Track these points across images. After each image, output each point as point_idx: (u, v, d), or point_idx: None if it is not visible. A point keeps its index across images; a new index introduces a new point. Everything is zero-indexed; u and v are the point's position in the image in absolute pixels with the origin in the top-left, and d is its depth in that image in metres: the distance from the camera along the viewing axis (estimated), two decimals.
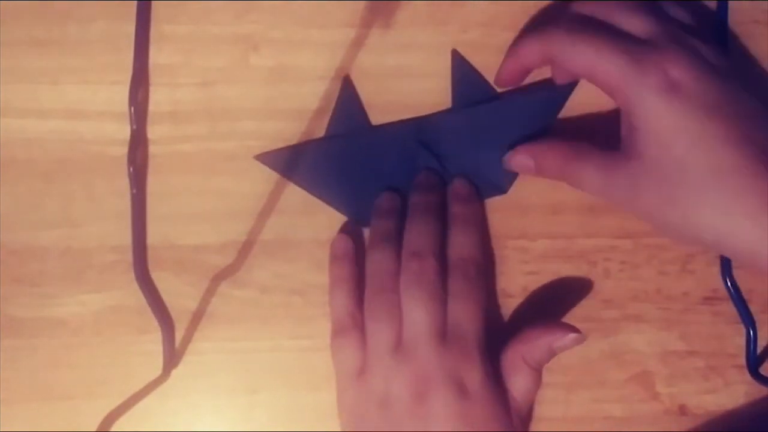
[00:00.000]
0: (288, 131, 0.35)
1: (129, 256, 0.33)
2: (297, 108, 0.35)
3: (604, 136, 0.33)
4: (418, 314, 0.31)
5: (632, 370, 0.35)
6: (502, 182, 0.35)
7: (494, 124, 0.34)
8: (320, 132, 0.35)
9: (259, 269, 0.34)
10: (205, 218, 0.34)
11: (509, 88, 0.35)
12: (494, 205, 0.35)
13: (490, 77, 0.35)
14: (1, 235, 0.34)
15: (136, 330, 0.34)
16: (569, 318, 0.35)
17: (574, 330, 0.31)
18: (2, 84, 0.34)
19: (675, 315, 0.35)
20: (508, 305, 0.35)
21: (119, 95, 0.34)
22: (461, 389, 0.30)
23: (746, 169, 0.28)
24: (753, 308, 0.35)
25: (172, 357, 0.34)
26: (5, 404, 0.34)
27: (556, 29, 0.31)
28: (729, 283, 0.35)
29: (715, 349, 0.35)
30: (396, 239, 0.33)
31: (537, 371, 0.32)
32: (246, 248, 0.34)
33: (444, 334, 0.31)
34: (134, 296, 0.33)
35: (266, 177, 0.35)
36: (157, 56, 0.34)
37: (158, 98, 0.34)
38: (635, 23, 0.31)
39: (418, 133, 0.35)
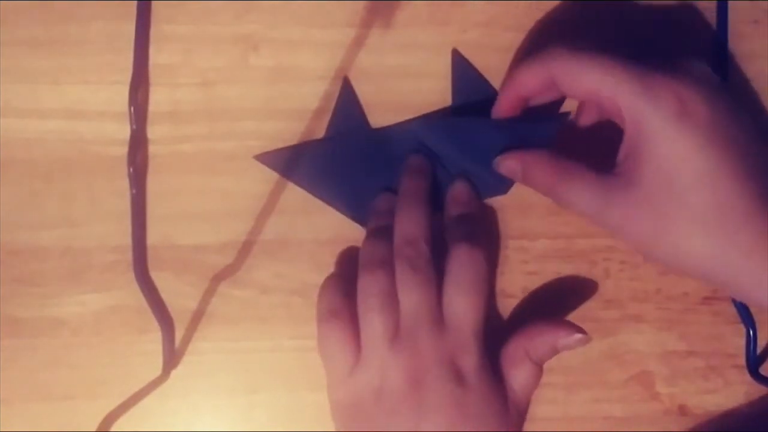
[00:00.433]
0: (288, 131, 0.35)
1: (129, 256, 0.33)
2: (297, 108, 0.35)
3: (596, 150, 0.31)
4: (415, 300, 0.30)
5: (632, 370, 0.35)
6: (501, 183, 0.35)
7: (490, 137, 0.34)
8: (320, 132, 0.35)
9: (259, 269, 0.34)
10: (205, 218, 0.34)
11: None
12: (494, 205, 0.35)
13: (490, 77, 0.35)
14: (1, 235, 0.34)
15: (136, 330, 0.34)
16: (569, 318, 0.35)
17: (580, 330, 0.31)
18: (2, 84, 0.34)
19: (675, 315, 0.35)
20: (508, 305, 0.35)
21: (119, 95, 0.34)
22: (458, 376, 0.30)
23: (745, 206, 0.28)
24: (753, 308, 0.35)
25: (172, 357, 0.34)
26: (5, 404, 0.34)
27: (558, 50, 0.30)
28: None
29: (715, 349, 0.35)
30: (390, 234, 0.32)
31: (538, 366, 0.31)
32: (246, 248, 0.34)
33: (441, 320, 0.30)
34: (134, 296, 0.33)
35: (266, 177, 0.35)
36: (157, 56, 0.35)
37: (158, 98, 0.35)
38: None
39: (418, 133, 0.35)
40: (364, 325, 0.31)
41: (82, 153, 0.34)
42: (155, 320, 0.33)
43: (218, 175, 0.34)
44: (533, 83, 0.31)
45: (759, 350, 0.35)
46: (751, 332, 0.35)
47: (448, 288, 0.31)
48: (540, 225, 0.35)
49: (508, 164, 0.32)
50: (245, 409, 0.34)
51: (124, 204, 0.33)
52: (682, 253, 0.29)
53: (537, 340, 0.31)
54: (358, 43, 0.35)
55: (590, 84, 0.29)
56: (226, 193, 0.34)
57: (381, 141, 0.35)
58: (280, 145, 0.34)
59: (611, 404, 0.35)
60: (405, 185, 0.34)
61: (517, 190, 0.35)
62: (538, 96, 0.33)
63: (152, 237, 0.34)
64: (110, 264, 0.34)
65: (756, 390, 0.35)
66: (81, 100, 0.34)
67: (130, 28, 0.34)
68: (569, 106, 0.35)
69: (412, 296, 0.30)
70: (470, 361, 0.30)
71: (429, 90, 0.35)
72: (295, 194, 0.35)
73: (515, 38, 0.35)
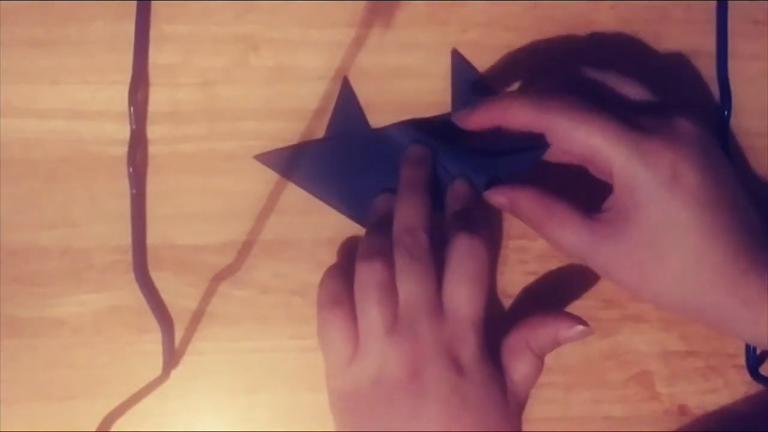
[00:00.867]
0: (288, 131, 0.35)
1: (129, 256, 0.33)
2: (297, 108, 0.35)
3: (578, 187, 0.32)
4: (414, 289, 0.30)
5: (632, 370, 0.35)
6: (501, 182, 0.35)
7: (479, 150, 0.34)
8: (320, 132, 0.35)
9: (259, 269, 0.34)
10: (205, 218, 0.34)
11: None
12: None
13: (491, 77, 0.35)
14: (1, 235, 0.34)
15: (136, 330, 0.34)
16: None
17: (582, 322, 0.31)
18: (2, 84, 0.34)
19: (675, 315, 0.35)
20: (508, 305, 0.35)
21: (119, 95, 0.34)
22: (456, 366, 0.30)
23: (726, 260, 0.29)
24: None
25: (172, 357, 0.34)
26: (5, 404, 0.34)
27: (555, 103, 0.30)
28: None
29: (715, 349, 0.35)
30: (390, 229, 0.32)
31: (539, 358, 0.31)
32: (246, 248, 0.34)
33: (439, 310, 0.30)
34: (134, 296, 0.33)
35: (266, 177, 0.35)
36: (157, 56, 0.35)
37: (158, 98, 0.35)
38: (637, 94, 0.31)
39: (417, 134, 0.35)
40: (362, 315, 0.31)
41: (82, 153, 0.34)
42: (155, 320, 0.33)
43: (218, 175, 0.34)
44: (520, 122, 0.31)
45: (759, 350, 0.35)
46: None
47: (447, 278, 0.31)
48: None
49: (496, 199, 0.33)
50: (245, 409, 0.34)
51: (124, 204, 0.33)
52: (666, 301, 0.31)
53: (539, 331, 0.31)
54: (358, 43, 0.35)
55: (584, 146, 0.30)
56: (226, 193, 0.34)
57: (380, 141, 0.35)
58: (280, 145, 0.34)
59: (611, 404, 0.35)
60: (405, 175, 0.34)
61: None
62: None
63: (152, 237, 0.34)
64: (110, 264, 0.34)
65: (756, 390, 0.35)
66: (81, 100, 0.34)
67: (130, 28, 0.34)
68: None
69: (410, 286, 0.30)
70: (469, 351, 0.30)
71: (429, 90, 0.35)
72: (295, 194, 0.35)
73: (515, 38, 0.35)
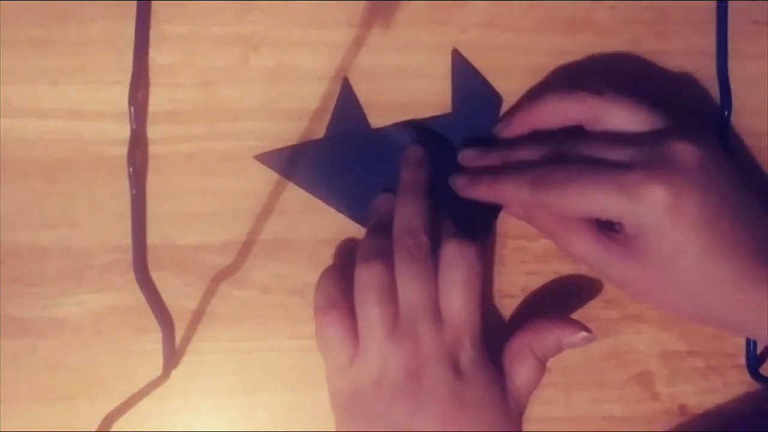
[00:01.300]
0: (288, 131, 0.35)
1: (129, 256, 0.33)
2: (297, 108, 0.35)
3: None
4: (414, 291, 0.30)
5: (632, 370, 0.35)
6: None
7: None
8: (320, 132, 0.35)
9: (259, 269, 0.34)
10: (205, 218, 0.34)
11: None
12: None
13: (490, 77, 0.35)
14: (1, 235, 0.34)
15: (136, 330, 0.34)
16: None
17: (585, 328, 0.31)
18: (2, 84, 0.34)
19: (675, 315, 0.35)
20: (508, 305, 0.35)
21: (119, 95, 0.34)
22: (455, 369, 0.30)
23: (734, 274, 0.29)
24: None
25: (172, 357, 0.34)
26: (5, 404, 0.34)
27: (543, 185, 0.31)
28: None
29: (715, 349, 0.35)
30: (390, 231, 0.32)
31: (542, 363, 0.32)
32: (246, 248, 0.34)
33: (439, 312, 0.30)
34: (134, 296, 0.33)
35: (266, 177, 0.35)
36: (157, 56, 0.35)
37: (158, 98, 0.35)
38: (631, 117, 0.31)
39: (417, 135, 0.35)
40: (362, 317, 0.31)
41: (82, 153, 0.34)
42: (155, 320, 0.33)
43: (218, 175, 0.34)
44: (515, 200, 0.32)
45: (759, 350, 0.35)
46: None
47: (441, 285, 0.31)
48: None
49: (512, 209, 0.34)
50: (245, 409, 0.34)
51: (124, 204, 0.33)
52: (682, 313, 0.32)
53: (542, 336, 0.31)
54: (358, 43, 0.35)
55: (584, 212, 0.30)
56: (226, 193, 0.34)
57: (381, 141, 0.35)
58: (280, 145, 0.34)
59: (611, 404, 0.35)
60: (405, 176, 0.34)
61: None
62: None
63: (152, 237, 0.34)
64: (110, 264, 0.34)
65: (756, 390, 0.35)
66: (81, 100, 0.34)
67: (130, 28, 0.34)
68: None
69: (410, 288, 0.30)
70: (467, 355, 0.30)
71: (429, 90, 0.35)
72: (295, 194, 0.35)
73: (515, 38, 0.35)
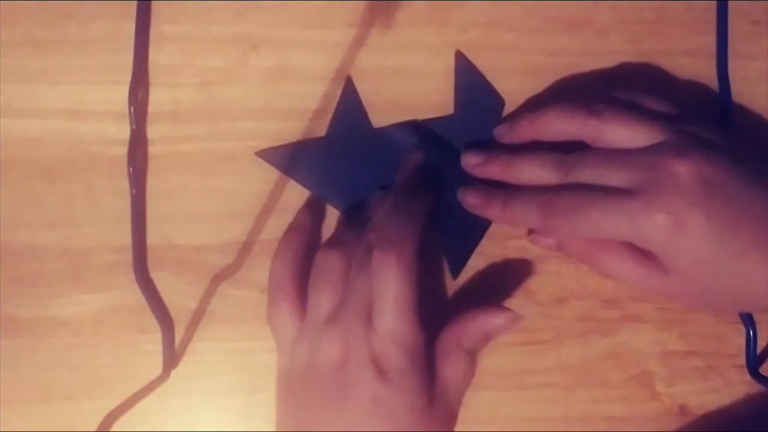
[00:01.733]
0: (288, 131, 0.35)
1: (129, 256, 0.33)
2: (297, 108, 0.35)
3: None
4: (362, 285, 0.30)
5: (632, 370, 0.35)
6: None
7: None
8: (320, 132, 0.35)
9: (259, 269, 0.34)
10: (205, 218, 0.34)
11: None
12: None
13: (491, 77, 0.35)
14: (1, 235, 0.34)
15: (136, 330, 0.34)
16: (569, 318, 0.35)
17: (509, 311, 0.31)
18: (2, 84, 0.34)
19: (675, 315, 0.35)
20: (508, 305, 0.35)
21: (119, 95, 0.34)
22: (381, 371, 0.29)
23: (757, 268, 0.30)
24: None
25: (172, 357, 0.34)
26: (5, 404, 0.34)
27: (552, 214, 0.31)
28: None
29: (715, 349, 0.35)
30: (363, 225, 0.32)
31: (471, 356, 0.31)
32: (246, 248, 0.34)
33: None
34: (134, 296, 0.33)
35: (266, 177, 0.35)
36: (157, 56, 0.35)
37: (158, 98, 0.34)
38: (614, 171, 0.31)
39: (419, 136, 0.35)
40: (310, 299, 0.31)
41: (82, 153, 0.34)
42: (155, 320, 0.33)
43: (218, 175, 0.34)
44: (527, 223, 0.33)
45: (759, 350, 0.35)
46: (751, 332, 0.35)
47: (372, 298, 0.30)
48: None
49: (543, 241, 0.34)
50: (245, 409, 0.34)
51: (124, 204, 0.33)
52: (727, 310, 0.34)
53: (468, 326, 0.31)
54: (358, 43, 0.35)
55: (595, 234, 0.31)
56: (226, 193, 0.34)
57: (382, 141, 0.35)
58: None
59: (611, 404, 0.35)
60: (398, 180, 0.34)
61: None
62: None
63: (152, 237, 0.34)
64: (110, 264, 0.34)
65: (756, 390, 0.35)
66: (81, 100, 0.34)
67: (130, 28, 0.34)
68: None
69: (359, 281, 0.30)
70: (395, 363, 0.29)
71: (429, 90, 0.35)
72: (296, 194, 0.35)
73: (515, 38, 0.35)
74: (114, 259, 0.34)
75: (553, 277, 0.35)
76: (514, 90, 0.35)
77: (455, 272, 0.35)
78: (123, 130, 0.34)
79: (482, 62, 0.35)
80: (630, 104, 0.32)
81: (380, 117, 0.35)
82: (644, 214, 0.30)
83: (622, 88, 0.33)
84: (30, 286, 0.34)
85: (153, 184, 0.34)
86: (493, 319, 0.31)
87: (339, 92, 0.35)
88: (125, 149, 0.33)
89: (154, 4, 0.34)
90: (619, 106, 0.32)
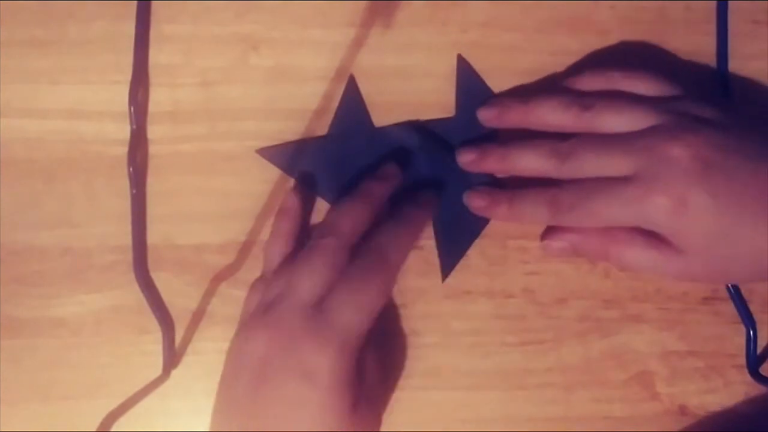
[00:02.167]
0: (288, 131, 0.35)
1: (129, 256, 0.33)
2: (297, 108, 0.35)
3: None
4: (299, 282, 0.30)
5: (632, 370, 0.35)
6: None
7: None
8: (320, 132, 0.35)
9: (259, 269, 0.34)
10: (205, 218, 0.34)
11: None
12: None
13: (492, 78, 0.35)
14: (1, 235, 0.34)
15: (136, 330, 0.34)
16: (569, 318, 0.35)
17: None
18: (2, 84, 0.34)
19: (675, 315, 0.35)
20: (508, 305, 0.35)
21: (119, 95, 0.34)
22: (305, 372, 0.29)
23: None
24: (753, 308, 0.35)
25: (172, 357, 0.34)
26: (5, 404, 0.34)
27: (560, 209, 0.32)
28: (729, 284, 0.35)
29: (715, 349, 0.35)
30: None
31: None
32: (246, 248, 0.34)
33: (317, 312, 0.29)
34: (134, 296, 0.33)
35: (266, 177, 0.35)
36: (157, 56, 0.35)
37: (158, 98, 0.35)
38: (613, 158, 0.31)
39: (420, 137, 0.35)
40: (298, 259, 0.31)
41: (82, 153, 0.34)
42: (155, 320, 0.33)
43: (218, 175, 0.34)
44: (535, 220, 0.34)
45: (759, 350, 0.35)
46: (751, 332, 0.35)
47: (338, 286, 0.30)
48: (540, 225, 0.35)
49: (556, 246, 0.34)
50: None
51: (124, 204, 0.33)
52: (747, 280, 0.34)
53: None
54: (358, 43, 0.35)
55: (603, 223, 0.32)
56: (226, 193, 0.34)
57: (383, 140, 0.35)
58: None
59: (611, 404, 0.35)
60: (365, 185, 0.33)
61: None
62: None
63: (152, 237, 0.34)
64: (110, 264, 0.34)
65: (756, 390, 0.35)
66: (81, 100, 0.34)
67: (130, 28, 0.34)
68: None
69: (299, 277, 0.30)
70: (325, 363, 0.29)
71: (429, 90, 0.35)
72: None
73: (515, 38, 0.35)
74: (114, 259, 0.34)
75: (553, 277, 0.35)
76: (514, 90, 0.35)
77: (445, 274, 0.35)
78: (123, 130, 0.34)
79: (482, 62, 0.35)
80: (624, 85, 0.33)
81: (380, 117, 0.35)
82: (646, 200, 0.30)
83: (617, 69, 0.33)
84: (30, 286, 0.34)
85: (153, 184, 0.34)
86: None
87: (339, 92, 0.35)
88: (125, 149, 0.33)
89: (154, 4, 0.34)
90: (610, 95, 0.32)
